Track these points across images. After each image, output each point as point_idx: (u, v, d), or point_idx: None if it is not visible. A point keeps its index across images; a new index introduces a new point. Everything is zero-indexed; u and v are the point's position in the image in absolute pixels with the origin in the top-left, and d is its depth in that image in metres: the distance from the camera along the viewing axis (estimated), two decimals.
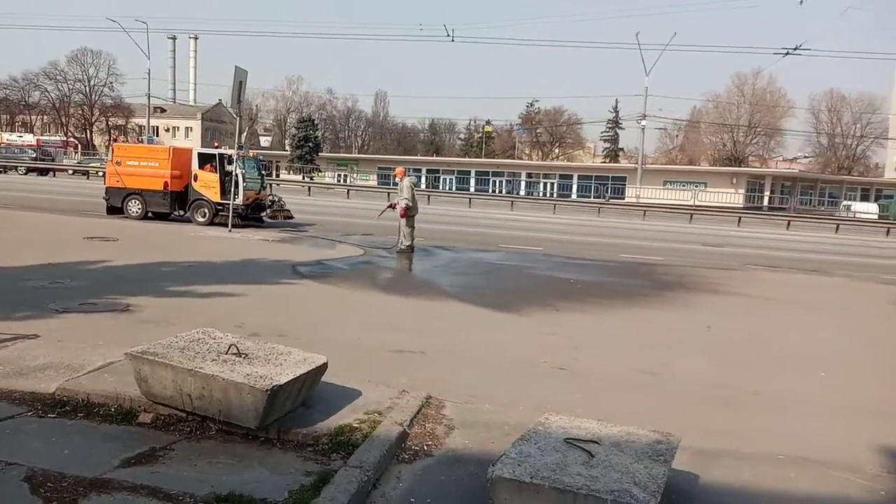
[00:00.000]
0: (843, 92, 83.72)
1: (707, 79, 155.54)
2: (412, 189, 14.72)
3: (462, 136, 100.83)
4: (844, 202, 55.92)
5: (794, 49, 38.60)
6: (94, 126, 79.98)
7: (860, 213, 46.76)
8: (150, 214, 18.12)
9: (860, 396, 6.18)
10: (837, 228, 34.51)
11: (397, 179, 15.31)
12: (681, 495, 3.83)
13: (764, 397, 5.97)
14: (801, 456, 4.53)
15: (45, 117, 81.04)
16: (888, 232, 32.81)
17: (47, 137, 65.68)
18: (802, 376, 6.70)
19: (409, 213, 14.43)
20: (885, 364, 7.55)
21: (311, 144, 70.73)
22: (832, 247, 24.12)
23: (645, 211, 37.23)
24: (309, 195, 39.20)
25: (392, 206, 15.34)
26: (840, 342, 8.45)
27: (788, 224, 35.38)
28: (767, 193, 59.09)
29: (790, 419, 5.41)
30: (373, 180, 63.30)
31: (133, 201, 18.16)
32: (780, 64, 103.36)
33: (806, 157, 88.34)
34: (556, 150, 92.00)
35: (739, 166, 71.64)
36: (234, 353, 4.53)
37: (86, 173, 44.15)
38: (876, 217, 43.93)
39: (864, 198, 63.56)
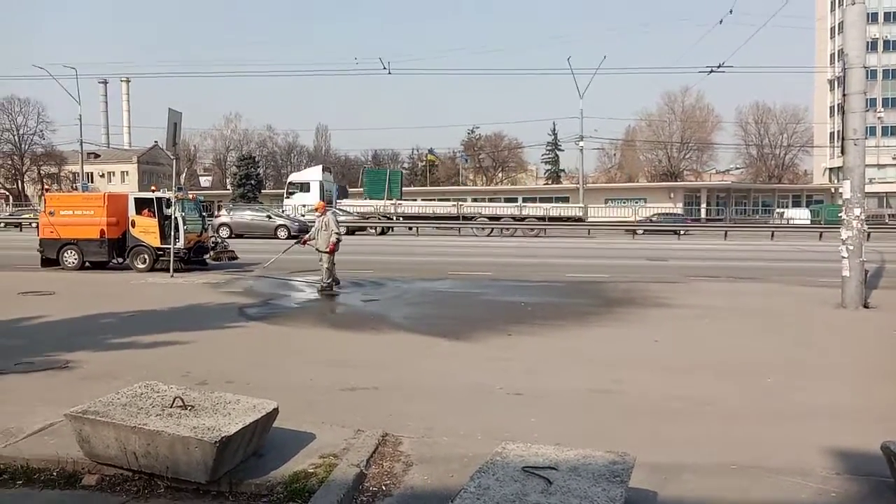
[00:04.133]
0: (769, 104, 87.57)
1: (639, 98, 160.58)
2: (337, 222, 14.41)
3: (406, 165, 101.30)
4: (777, 209, 58.09)
5: (718, 67, 40.08)
6: (26, 176, 77.33)
7: (793, 219, 48.61)
8: (87, 264, 17.54)
9: (804, 399, 6.36)
10: (772, 235, 35.82)
11: (317, 214, 14.50)
12: None
13: (714, 407, 6.08)
14: (755, 464, 4.61)
15: None
16: (821, 236, 34.15)
17: None
18: (749, 384, 6.86)
19: (336, 247, 13.99)
20: (823, 365, 7.80)
21: (253, 182, 69.93)
22: (768, 253, 24.98)
23: (589, 229, 37.92)
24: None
25: (303, 242, 14.65)
26: (782, 347, 8.69)
27: (726, 234, 36.55)
28: (704, 206, 61.05)
29: (741, 427, 5.52)
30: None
31: (69, 252, 17.57)
32: (706, 81, 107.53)
33: (737, 168, 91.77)
34: (500, 175, 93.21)
35: (675, 181, 73.89)
36: (180, 406, 4.39)
37: (18, 225, 42.57)
38: (808, 222, 45.76)
39: (796, 204, 66.18)
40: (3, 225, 44.43)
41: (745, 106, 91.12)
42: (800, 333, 9.60)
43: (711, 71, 40.56)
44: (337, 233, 13.96)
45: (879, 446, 4.25)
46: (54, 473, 4.35)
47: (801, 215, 50.16)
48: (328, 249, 13.77)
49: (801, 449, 4.95)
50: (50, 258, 17.70)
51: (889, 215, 46.72)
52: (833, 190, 67.85)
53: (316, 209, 14.73)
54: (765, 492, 4.23)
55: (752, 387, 6.75)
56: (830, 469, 4.59)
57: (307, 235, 14.51)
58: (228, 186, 78.25)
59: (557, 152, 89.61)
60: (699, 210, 59.73)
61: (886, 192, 70.45)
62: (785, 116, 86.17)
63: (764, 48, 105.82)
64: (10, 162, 76.19)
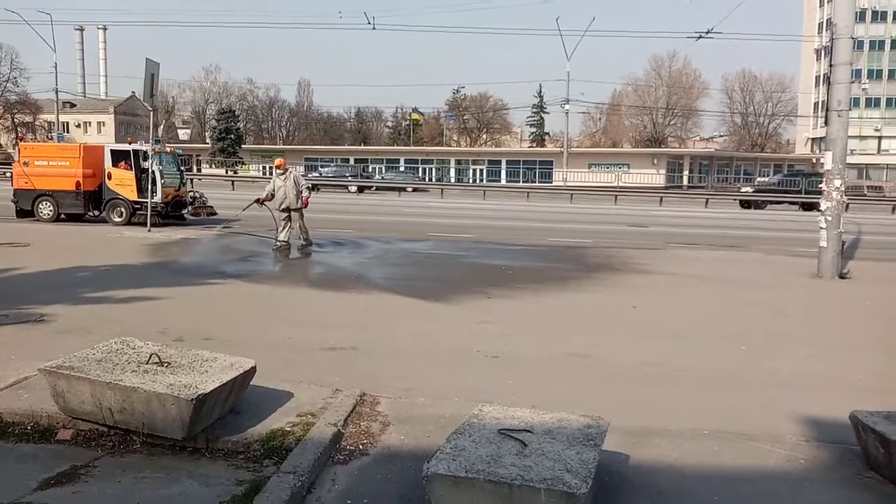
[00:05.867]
0: (755, 72, 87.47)
1: (626, 63, 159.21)
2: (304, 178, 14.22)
3: (389, 124, 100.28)
4: (759, 178, 58.38)
5: (707, 32, 39.83)
6: None
7: None
8: (62, 216, 17.30)
9: (778, 368, 6.47)
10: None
11: (279, 172, 13.72)
12: (612, 477, 3.92)
13: (689, 373, 6.18)
14: (725, 430, 4.70)
15: None
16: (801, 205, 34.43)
17: None
18: (723, 351, 6.96)
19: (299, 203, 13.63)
20: (797, 334, 7.93)
21: (232, 136, 68.90)
22: (749, 222, 25.19)
23: (572, 194, 37.95)
24: (233, 189, 38.15)
25: (260, 202, 13.98)
26: (757, 316, 8.81)
27: (707, 202, 36.71)
28: (686, 173, 61.24)
29: (713, 394, 5.62)
30: (300, 172, 62.21)
31: (44, 203, 17.30)
32: (694, 47, 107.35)
33: (721, 136, 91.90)
34: (484, 136, 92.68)
35: (659, 147, 73.96)
36: (156, 363, 4.36)
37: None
38: None
39: (777, 173, 66.58)
40: None
41: (731, 73, 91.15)
42: (775, 302, 9.73)
43: (700, 36, 40.37)
44: (308, 188, 13.80)
45: (848, 415, 4.34)
46: (28, 427, 4.32)
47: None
48: (303, 205, 13.57)
49: (773, 416, 5.05)
50: (25, 209, 17.45)
51: (868, 187, 47.24)
52: (814, 160, 68.34)
53: (277, 166, 13.97)
54: (735, 457, 4.32)
55: (727, 354, 6.85)
56: (800, 436, 4.69)
57: (265, 194, 13.75)
58: (208, 140, 77.17)
59: (543, 115, 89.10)
60: (681, 177, 59.88)
61: (867, 164, 71.16)
62: (771, 85, 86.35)
63: (753, 15, 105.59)
64: None
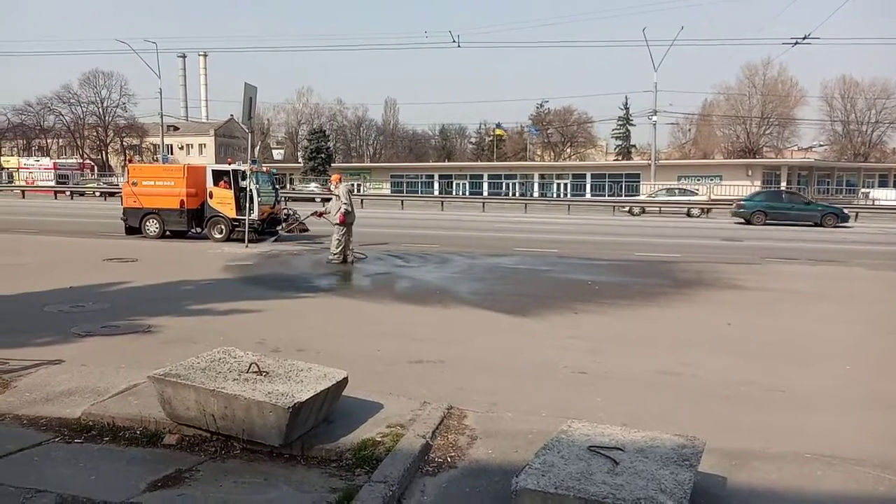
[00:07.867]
0: (856, 78, 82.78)
1: (717, 71, 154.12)
2: (350, 195, 14.26)
3: (473, 140, 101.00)
4: (863, 189, 55.30)
5: (804, 38, 38.21)
6: (109, 147, 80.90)
7: (879, 200, 46.17)
8: (167, 233, 18.31)
9: (885, 389, 6.10)
10: (856, 216, 34.14)
11: (332, 186, 14.56)
12: (709, 500, 3.80)
13: (788, 394, 5.90)
14: (829, 454, 4.47)
15: (61, 140, 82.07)
16: None
17: (63, 160, 66.45)
18: (826, 371, 6.62)
19: (347, 219, 13.79)
20: None
21: (323, 155, 71.17)
22: (851, 236, 23.86)
23: (660, 207, 37.02)
24: (324, 207, 39.37)
25: (319, 214, 14.82)
26: (862, 334, 8.34)
27: None
28: (784, 184, 58.50)
29: (816, 416, 5.35)
30: (386, 189, 63.48)
31: (150, 221, 18.37)
32: (790, 53, 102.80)
33: (821, 145, 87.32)
34: (568, 150, 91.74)
35: (754, 158, 71.08)
36: (255, 372, 4.56)
37: (100, 194, 44.50)
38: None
39: (883, 184, 62.82)
40: (67, 194, 46.03)
41: (830, 80, 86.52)
42: (882, 320, 9.17)
43: (796, 43, 38.82)
44: (346, 204, 13.67)
45: None
46: (138, 432, 4.59)
47: (887, 196, 47.55)
48: (339, 221, 13.67)
49: (881, 440, 4.77)
50: (133, 226, 18.56)
51: None
52: None
53: (331, 181, 14.70)
54: (840, 482, 4.10)
55: (829, 374, 6.52)
56: None
57: (324, 207, 14.49)
58: (300, 160, 79.93)
59: (629, 127, 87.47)
60: (778, 188, 57.29)
61: None
62: (874, 91, 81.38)
63: (852, 19, 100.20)
64: (95, 133, 79.78)
